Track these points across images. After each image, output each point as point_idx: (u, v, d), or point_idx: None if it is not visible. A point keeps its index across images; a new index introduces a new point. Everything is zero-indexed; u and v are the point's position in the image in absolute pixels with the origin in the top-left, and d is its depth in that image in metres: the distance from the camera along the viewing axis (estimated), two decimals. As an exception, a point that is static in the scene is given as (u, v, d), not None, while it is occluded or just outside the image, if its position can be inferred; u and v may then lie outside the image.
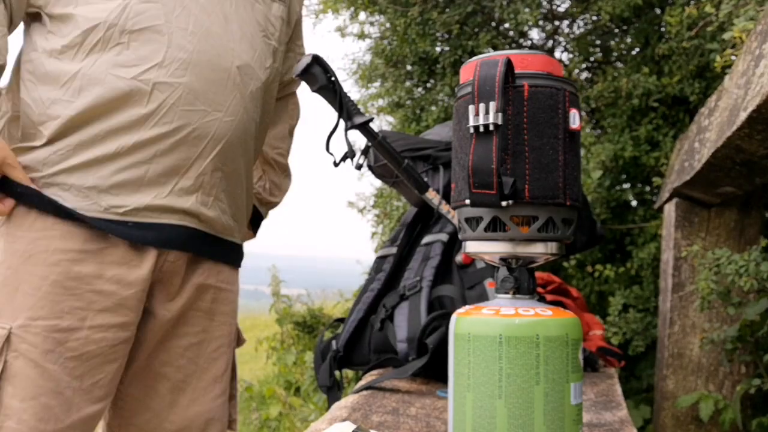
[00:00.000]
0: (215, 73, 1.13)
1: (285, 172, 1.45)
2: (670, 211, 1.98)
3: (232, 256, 1.26)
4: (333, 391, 1.32)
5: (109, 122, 1.06)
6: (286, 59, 1.37)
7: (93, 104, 1.05)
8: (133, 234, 1.08)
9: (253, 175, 1.40)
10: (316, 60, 1.18)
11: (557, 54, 3.03)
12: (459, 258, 1.30)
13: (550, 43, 3.05)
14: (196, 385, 1.20)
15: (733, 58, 1.51)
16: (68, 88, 1.07)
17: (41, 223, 1.07)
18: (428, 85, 3.13)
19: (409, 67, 3.11)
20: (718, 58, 1.57)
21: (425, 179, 1.34)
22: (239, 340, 1.33)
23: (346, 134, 1.22)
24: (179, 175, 1.10)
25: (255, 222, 1.42)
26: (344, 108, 1.20)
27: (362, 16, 3.22)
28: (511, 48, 2.99)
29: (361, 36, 3.25)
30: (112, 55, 1.07)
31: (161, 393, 1.19)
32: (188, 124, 1.10)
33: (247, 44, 1.18)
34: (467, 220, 0.70)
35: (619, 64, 2.86)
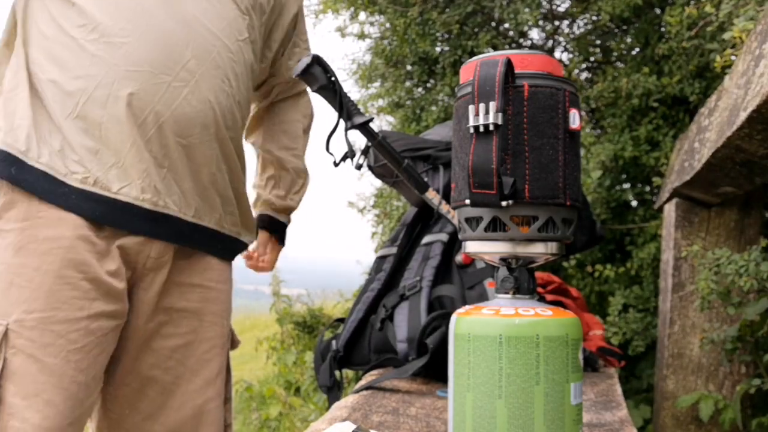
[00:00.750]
0: (165, 36, 1.07)
1: (300, 174, 1.40)
2: (670, 211, 1.98)
3: (214, 246, 1.19)
4: (333, 391, 1.31)
5: (66, 88, 1.04)
6: (293, 54, 1.36)
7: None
8: (83, 205, 1.04)
9: (262, 178, 1.37)
10: (316, 60, 1.18)
11: (557, 54, 3.03)
12: (459, 258, 1.30)
13: (550, 43, 3.05)
14: (186, 387, 1.17)
15: (733, 58, 1.51)
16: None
17: (24, 212, 1.04)
18: (428, 85, 3.13)
19: (409, 67, 3.11)
20: (718, 58, 1.57)
21: (425, 179, 1.34)
22: (233, 342, 1.29)
23: (346, 134, 1.22)
24: (127, 143, 1.05)
25: (278, 231, 1.38)
26: (344, 108, 1.20)
27: (362, 16, 3.23)
28: (511, 48, 2.99)
29: (361, 36, 3.25)
30: (70, 14, 1.06)
31: (150, 396, 1.16)
32: (131, 85, 1.05)
33: (212, 12, 1.13)
34: (467, 220, 0.70)
35: (619, 64, 2.86)
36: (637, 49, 2.78)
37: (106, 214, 1.05)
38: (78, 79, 1.04)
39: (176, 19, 1.09)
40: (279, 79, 1.39)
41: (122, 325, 1.11)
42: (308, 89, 1.40)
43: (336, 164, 1.24)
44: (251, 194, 1.37)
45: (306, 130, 1.43)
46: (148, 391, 1.16)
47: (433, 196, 1.32)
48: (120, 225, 1.07)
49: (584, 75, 3.01)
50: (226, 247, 1.23)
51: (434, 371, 1.20)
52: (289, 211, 1.40)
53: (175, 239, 1.13)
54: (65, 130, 1.04)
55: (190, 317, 1.18)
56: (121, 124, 1.04)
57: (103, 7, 1.06)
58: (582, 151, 2.22)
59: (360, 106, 1.80)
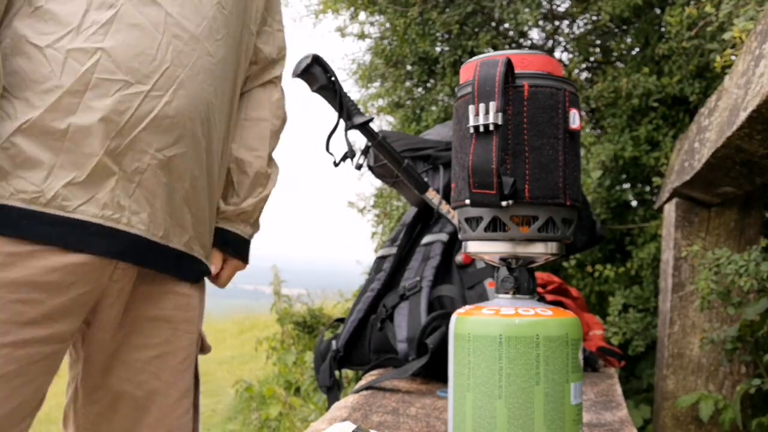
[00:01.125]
0: (142, 40, 0.97)
1: (260, 179, 1.22)
2: (670, 211, 1.98)
3: (182, 269, 1.08)
4: (333, 391, 1.32)
5: (34, 102, 0.93)
6: (263, 33, 1.22)
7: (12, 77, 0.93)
8: (35, 229, 0.93)
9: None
10: (316, 60, 1.18)
11: (557, 54, 3.03)
12: (459, 258, 1.30)
13: (550, 43, 3.06)
14: (162, 402, 1.08)
15: (733, 58, 1.51)
16: None
17: None
18: (428, 85, 3.14)
19: (409, 67, 3.11)
20: (718, 58, 1.57)
21: (425, 179, 1.34)
22: (203, 347, 1.18)
23: (346, 134, 1.22)
24: (95, 156, 0.94)
25: (229, 244, 1.20)
26: (344, 108, 1.20)
27: (362, 16, 3.23)
28: (511, 48, 2.99)
29: (361, 36, 3.25)
30: (31, 21, 0.94)
31: (122, 412, 1.07)
32: (105, 96, 0.95)
33: (190, 10, 1.03)
34: (467, 220, 0.70)
35: (619, 64, 2.87)
36: (637, 49, 2.78)
37: (59, 237, 0.94)
38: (48, 93, 0.93)
39: (153, 20, 0.99)
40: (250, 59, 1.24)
41: (64, 350, 1.00)
42: (281, 83, 1.29)
43: (336, 164, 1.24)
44: None
45: (275, 133, 1.26)
46: (119, 407, 1.07)
47: (433, 196, 1.32)
48: (75, 246, 0.95)
49: (584, 75, 3.01)
50: (194, 270, 1.12)
51: (434, 371, 1.20)
52: (243, 218, 1.22)
53: (138, 261, 1.02)
54: (19, 143, 0.92)
55: (164, 326, 1.08)
56: (91, 136, 0.94)
57: (72, 8, 0.95)
58: (582, 151, 2.22)
59: (360, 106, 1.80)
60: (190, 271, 1.10)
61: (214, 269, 1.19)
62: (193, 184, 1.06)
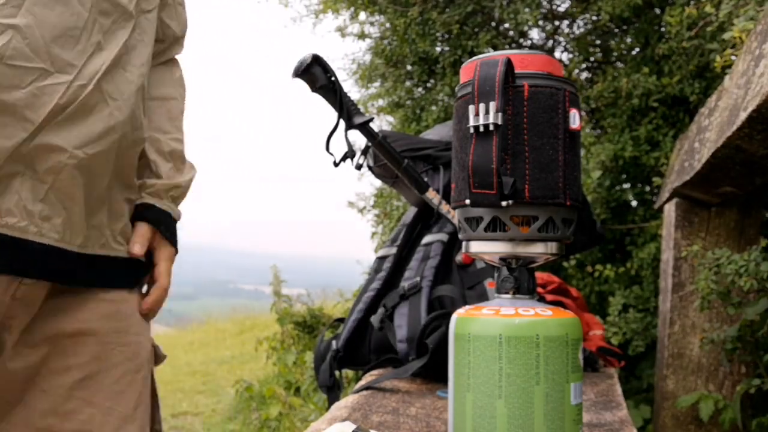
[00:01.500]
0: (64, 17, 0.80)
1: (182, 161, 1.05)
2: (670, 211, 1.98)
3: (107, 277, 0.91)
4: (333, 391, 1.31)
5: None
6: (165, 7, 1.04)
7: None
8: None
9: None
10: (316, 60, 1.18)
11: (557, 54, 3.03)
12: (459, 258, 1.30)
13: (550, 43, 3.06)
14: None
15: (733, 58, 1.51)
16: None
17: None
18: (428, 85, 3.14)
19: (409, 67, 3.11)
20: (718, 58, 1.57)
21: (425, 179, 1.34)
22: (157, 358, 1.01)
23: (346, 134, 1.22)
24: (3, 160, 0.76)
25: (162, 222, 1.00)
26: (344, 108, 1.20)
27: (362, 16, 3.23)
28: (511, 48, 2.99)
29: (361, 36, 3.26)
30: None
31: None
32: (16, 88, 0.76)
33: None
34: (467, 220, 0.70)
35: (619, 64, 2.87)
36: (637, 49, 2.78)
37: None
38: None
39: None
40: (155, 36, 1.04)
41: None
42: (179, 61, 1.13)
43: (336, 164, 1.24)
44: None
45: (182, 112, 1.08)
46: None
47: (433, 196, 1.32)
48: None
49: (584, 75, 3.01)
50: (122, 274, 0.94)
51: (434, 371, 1.20)
52: (175, 193, 1.03)
53: (49, 277, 0.84)
54: None
55: (90, 341, 0.89)
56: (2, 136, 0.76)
57: None
58: (582, 151, 2.22)
59: (360, 106, 1.80)
60: (116, 275, 0.93)
61: (139, 248, 0.96)
62: (116, 177, 0.90)
